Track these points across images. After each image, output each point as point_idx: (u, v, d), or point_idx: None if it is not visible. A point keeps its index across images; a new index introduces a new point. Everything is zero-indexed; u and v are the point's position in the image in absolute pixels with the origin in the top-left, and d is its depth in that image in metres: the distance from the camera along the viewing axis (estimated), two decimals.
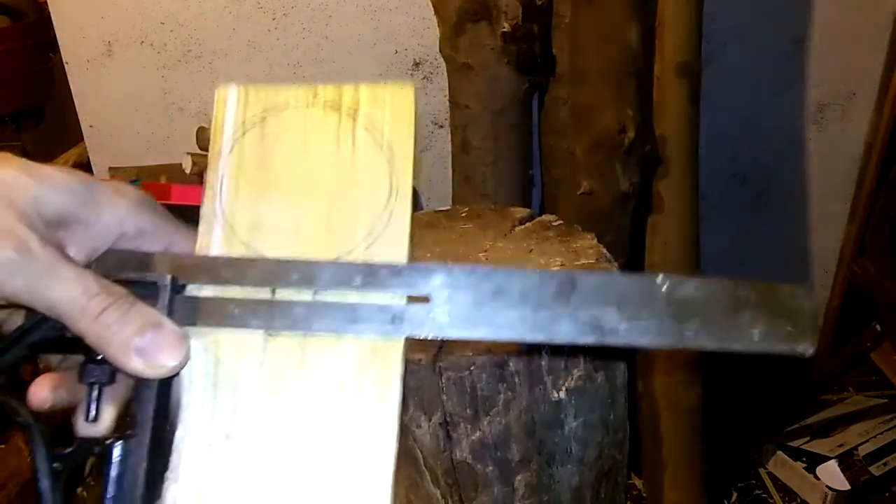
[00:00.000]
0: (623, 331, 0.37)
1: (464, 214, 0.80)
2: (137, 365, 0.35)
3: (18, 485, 1.30)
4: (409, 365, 0.61)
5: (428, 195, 1.60)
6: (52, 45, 1.53)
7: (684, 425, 1.38)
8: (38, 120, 2.01)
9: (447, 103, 1.34)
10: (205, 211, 0.40)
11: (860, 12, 1.48)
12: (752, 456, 1.64)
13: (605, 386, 0.67)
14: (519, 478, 0.65)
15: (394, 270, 0.38)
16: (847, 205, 1.68)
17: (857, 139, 1.61)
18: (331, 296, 0.38)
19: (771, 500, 1.56)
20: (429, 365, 0.60)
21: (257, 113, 0.41)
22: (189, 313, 0.37)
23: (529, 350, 0.60)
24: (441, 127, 1.52)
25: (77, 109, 1.50)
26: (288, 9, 1.41)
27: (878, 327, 1.34)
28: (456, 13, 1.21)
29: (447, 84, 1.31)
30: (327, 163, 0.40)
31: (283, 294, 0.38)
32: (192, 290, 0.38)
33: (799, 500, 1.55)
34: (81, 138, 1.52)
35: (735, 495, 1.58)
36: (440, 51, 1.28)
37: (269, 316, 0.37)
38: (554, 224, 0.77)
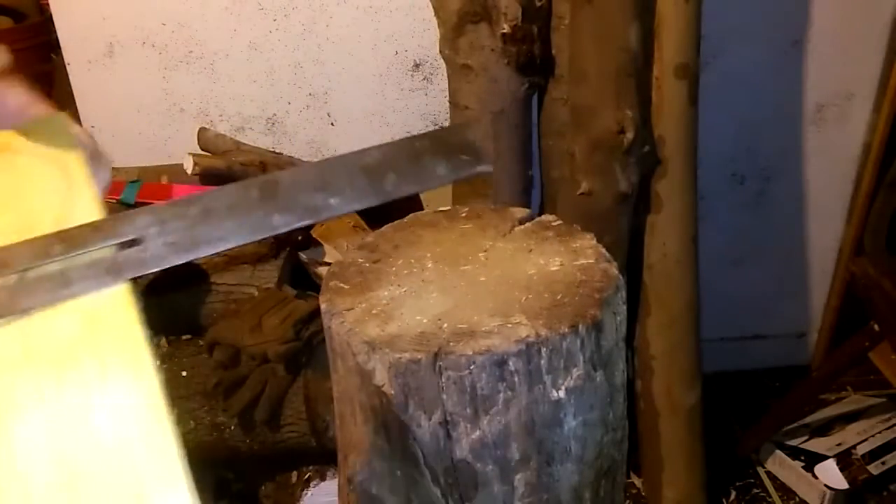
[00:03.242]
0: (335, 204, 0.40)
1: (464, 214, 0.81)
2: None
3: None
4: (408, 365, 0.61)
5: (428, 195, 1.60)
6: (53, 46, 1.53)
7: (683, 424, 1.38)
8: None
9: (447, 104, 1.35)
10: None
11: (859, 14, 1.48)
12: (749, 455, 1.64)
13: (604, 385, 0.67)
14: (518, 476, 0.66)
15: (94, 227, 0.37)
16: (845, 205, 1.69)
17: (855, 140, 1.61)
18: (35, 273, 0.36)
19: (769, 499, 1.57)
20: (429, 364, 0.60)
21: None
22: None
23: (529, 350, 0.61)
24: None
25: (78, 110, 1.50)
26: (289, 10, 1.42)
27: (876, 327, 1.34)
28: (456, 14, 1.21)
29: (447, 85, 1.31)
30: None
31: None
32: None
33: (797, 498, 1.55)
34: None
35: (734, 494, 1.58)
36: (440, 52, 1.29)
37: None
38: (554, 224, 0.77)
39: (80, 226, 0.37)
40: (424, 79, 1.49)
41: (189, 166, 1.31)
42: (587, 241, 0.74)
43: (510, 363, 0.60)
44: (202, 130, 1.42)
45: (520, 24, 1.18)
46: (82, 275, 0.36)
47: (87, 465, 0.32)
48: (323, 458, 1.19)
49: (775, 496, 1.57)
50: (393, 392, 0.63)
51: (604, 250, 0.72)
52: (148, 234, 0.38)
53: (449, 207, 0.86)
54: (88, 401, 0.34)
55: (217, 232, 0.39)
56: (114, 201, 1.32)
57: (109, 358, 0.35)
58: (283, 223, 0.39)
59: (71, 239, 0.37)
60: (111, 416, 0.34)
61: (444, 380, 0.61)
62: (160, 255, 0.37)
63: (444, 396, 0.62)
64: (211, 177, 1.33)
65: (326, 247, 1.38)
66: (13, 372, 0.34)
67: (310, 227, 1.40)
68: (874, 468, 1.49)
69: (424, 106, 1.51)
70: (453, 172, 0.43)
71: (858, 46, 1.52)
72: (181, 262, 0.39)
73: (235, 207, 0.39)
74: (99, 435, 0.33)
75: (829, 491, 1.48)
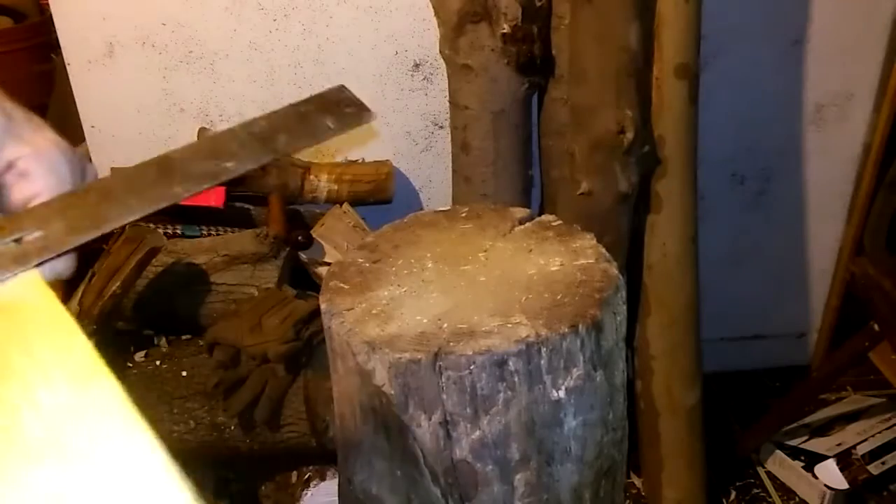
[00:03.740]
0: (231, 167, 0.43)
1: (464, 214, 0.81)
2: None
3: None
4: (408, 365, 0.61)
5: (428, 195, 1.60)
6: (53, 46, 1.53)
7: (683, 424, 1.38)
8: None
9: (447, 104, 1.35)
10: None
11: (858, 14, 1.48)
12: (749, 455, 1.64)
13: (604, 385, 0.67)
14: (518, 476, 0.66)
15: None
16: (845, 205, 1.69)
17: (855, 140, 1.61)
18: None
19: (769, 499, 1.57)
20: (429, 364, 0.60)
21: None
22: None
23: (529, 350, 0.61)
24: (441, 127, 1.52)
25: (78, 110, 1.50)
26: (289, 10, 1.42)
27: (876, 327, 1.34)
28: (456, 14, 1.21)
29: (447, 85, 1.31)
30: None
31: None
32: None
33: (797, 498, 1.55)
34: (83, 139, 1.52)
35: (734, 494, 1.58)
36: (440, 52, 1.29)
37: None
38: (554, 224, 0.77)
39: None
40: (424, 79, 1.49)
41: None
42: (587, 241, 0.74)
43: (510, 363, 0.60)
44: (202, 130, 1.42)
45: (520, 24, 1.19)
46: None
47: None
48: (323, 458, 1.19)
49: (775, 496, 1.57)
50: (393, 392, 0.63)
51: (604, 250, 0.72)
52: (50, 224, 0.39)
53: (449, 207, 0.86)
54: (31, 397, 0.34)
55: (118, 209, 0.40)
56: None
57: (39, 350, 0.36)
58: (183, 191, 0.41)
59: None
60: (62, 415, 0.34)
61: (444, 380, 0.61)
62: (62, 238, 0.38)
63: (444, 396, 0.62)
64: None
65: (326, 247, 1.38)
66: None
67: (309, 227, 1.40)
68: (874, 468, 1.49)
69: (424, 106, 1.51)
70: (341, 124, 0.46)
71: (858, 46, 1.52)
72: (85, 241, 0.40)
73: (134, 185, 0.41)
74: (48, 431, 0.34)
75: (829, 491, 1.48)
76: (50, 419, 0.34)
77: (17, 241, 0.38)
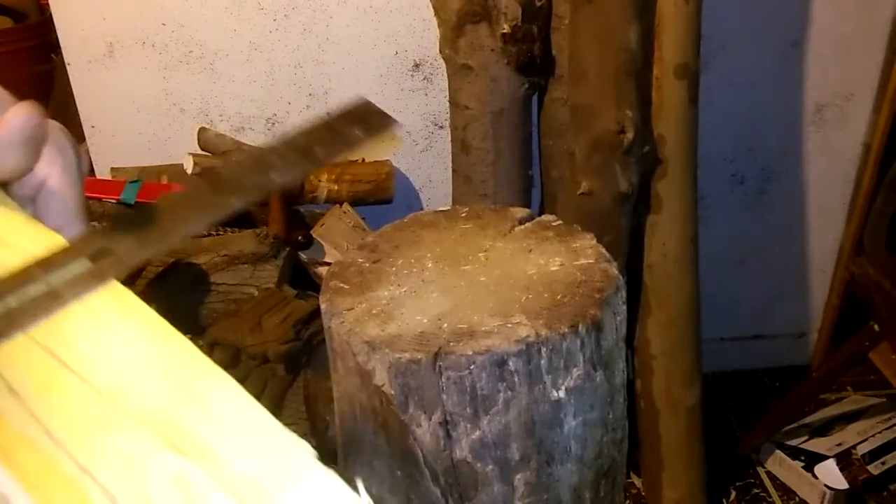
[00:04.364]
0: (277, 178, 0.45)
1: (464, 214, 0.81)
2: None
3: None
4: (408, 365, 0.61)
5: (428, 195, 1.60)
6: (53, 46, 1.53)
7: (683, 424, 1.38)
8: None
9: (447, 104, 1.35)
10: None
11: (858, 14, 1.48)
12: (750, 455, 1.64)
13: (604, 385, 0.67)
14: (518, 476, 0.66)
15: (66, 249, 0.40)
16: (845, 205, 1.69)
17: (855, 140, 1.61)
18: (18, 298, 0.38)
19: (769, 499, 1.57)
20: (429, 364, 0.60)
21: None
22: None
23: (529, 349, 0.61)
24: (441, 127, 1.53)
25: (78, 110, 1.50)
26: (289, 10, 1.42)
27: (876, 327, 1.34)
28: (456, 14, 1.21)
29: (447, 85, 1.31)
30: None
31: None
32: None
33: (797, 499, 1.55)
34: (83, 139, 1.52)
35: (734, 494, 1.58)
36: (440, 52, 1.29)
37: None
38: (554, 224, 0.77)
39: (54, 252, 0.39)
40: (424, 79, 1.49)
41: (189, 166, 1.31)
42: (587, 241, 0.74)
43: (510, 363, 0.60)
44: (202, 130, 1.42)
45: (520, 24, 1.19)
46: (69, 287, 0.38)
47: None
48: (323, 458, 1.18)
49: (775, 496, 1.57)
50: (393, 392, 0.63)
51: (604, 250, 0.72)
52: (117, 241, 0.40)
53: (449, 207, 0.86)
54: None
55: (182, 224, 0.42)
56: (113, 201, 1.32)
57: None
58: (237, 202, 0.44)
59: (47, 262, 0.39)
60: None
61: (444, 380, 0.61)
62: (133, 251, 0.40)
63: (444, 396, 0.62)
64: None
65: (326, 247, 1.38)
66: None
67: (309, 227, 1.40)
68: (874, 468, 1.49)
69: (424, 106, 1.51)
70: (369, 133, 0.50)
71: (858, 47, 1.52)
72: (154, 254, 0.43)
73: (191, 200, 0.43)
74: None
75: (829, 491, 1.48)
76: (136, 369, 0.36)
77: (93, 259, 0.40)
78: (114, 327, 0.37)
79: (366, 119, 0.51)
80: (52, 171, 0.43)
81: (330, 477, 0.34)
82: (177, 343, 0.37)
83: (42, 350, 0.36)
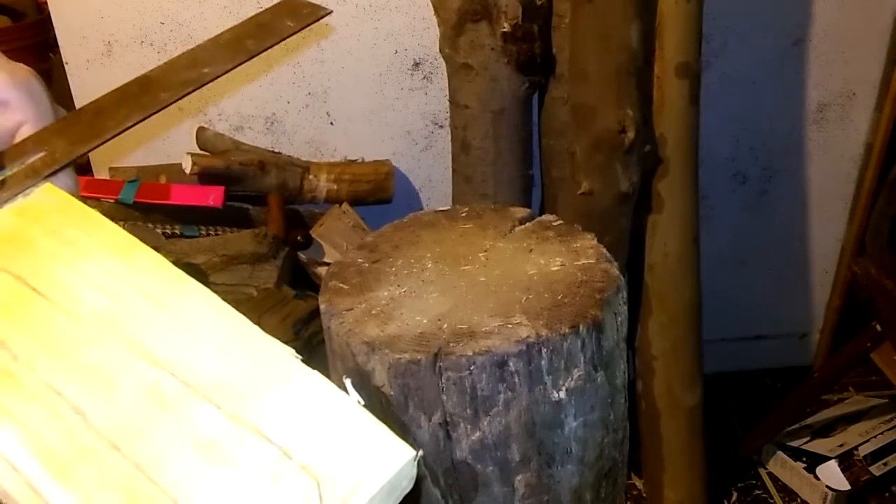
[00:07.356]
0: (209, 71, 0.48)
1: (464, 214, 0.80)
2: None
3: None
4: (408, 366, 0.61)
5: (428, 195, 1.60)
6: (52, 45, 1.53)
7: (684, 425, 1.38)
8: None
9: (447, 103, 1.34)
10: None
11: (860, 13, 1.48)
12: (751, 456, 1.64)
13: (605, 386, 0.67)
14: (519, 478, 0.65)
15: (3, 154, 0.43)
16: (847, 205, 1.68)
17: (857, 139, 1.61)
18: None
19: (771, 501, 1.56)
20: (429, 365, 0.60)
21: None
22: None
23: (530, 350, 0.60)
24: (441, 127, 1.52)
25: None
26: None
27: (878, 327, 1.34)
28: (456, 13, 1.21)
29: (447, 84, 1.31)
30: None
31: None
32: None
33: (799, 500, 1.55)
34: None
35: (735, 495, 1.58)
36: (440, 51, 1.28)
37: None
38: (554, 224, 0.77)
39: None
40: (424, 78, 1.48)
41: (188, 166, 1.31)
42: (588, 241, 0.73)
43: (510, 364, 0.60)
44: (201, 130, 1.42)
45: (520, 23, 1.18)
46: (6, 186, 0.41)
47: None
48: None
49: (777, 497, 1.56)
50: (393, 393, 0.62)
51: (604, 250, 0.71)
52: (52, 143, 0.42)
53: (449, 207, 0.85)
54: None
55: (113, 120, 0.44)
56: (111, 201, 1.32)
57: (73, 235, 0.39)
58: (169, 97, 0.47)
59: None
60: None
61: (444, 380, 0.60)
62: (67, 150, 0.42)
63: (444, 397, 0.61)
64: (210, 176, 1.32)
65: (326, 247, 1.37)
66: None
67: (308, 226, 1.39)
68: (876, 469, 1.48)
69: (424, 105, 1.51)
70: (301, 22, 0.51)
71: (860, 46, 1.51)
72: (86, 152, 0.45)
73: (121, 99, 0.45)
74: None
75: (830, 492, 1.48)
76: (107, 287, 0.37)
77: (24, 162, 0.42)
78: (90, 253, 0.38)
79: (296, 10, 0.52)
80: (27, 118, 0.43)
81: (317, 377, 0.34)
82: (149, 258, 0.37)
83: (12, 277, 0.37)
